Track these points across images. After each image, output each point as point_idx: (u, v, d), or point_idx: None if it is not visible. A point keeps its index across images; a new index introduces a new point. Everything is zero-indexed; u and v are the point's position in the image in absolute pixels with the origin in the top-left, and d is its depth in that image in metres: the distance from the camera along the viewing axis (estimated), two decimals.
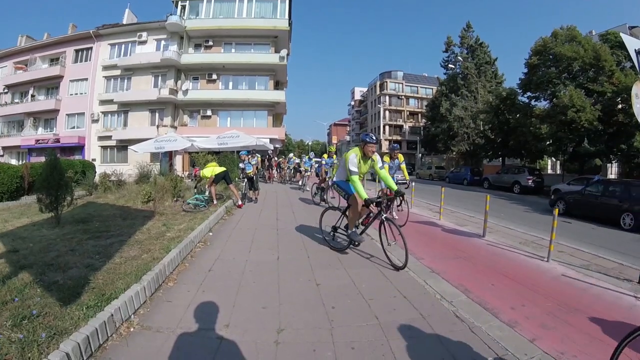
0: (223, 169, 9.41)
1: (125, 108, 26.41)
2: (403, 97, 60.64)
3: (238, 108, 26.76)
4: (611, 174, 23.27)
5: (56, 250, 4.54)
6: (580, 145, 18.99)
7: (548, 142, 20.64)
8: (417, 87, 61.84)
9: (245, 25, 25.83)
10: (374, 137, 4.60)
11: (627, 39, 4.80)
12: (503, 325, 2.92)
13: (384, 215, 4.44)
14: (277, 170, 21.34)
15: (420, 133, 45.32)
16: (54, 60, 28.65)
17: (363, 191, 4.36)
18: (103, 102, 26.63)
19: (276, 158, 23.91)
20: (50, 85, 28.42)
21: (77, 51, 27.81)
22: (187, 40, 26.58)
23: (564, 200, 11.58)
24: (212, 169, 9.19)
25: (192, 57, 26.35)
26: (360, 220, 4.88)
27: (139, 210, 8.18)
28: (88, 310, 2.76)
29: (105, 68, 26.89)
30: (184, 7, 26.34)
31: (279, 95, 27.16)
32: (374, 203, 4.35)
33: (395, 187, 4.64)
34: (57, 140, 26.52)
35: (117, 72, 26.58)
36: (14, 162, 25.33)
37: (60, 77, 27.54)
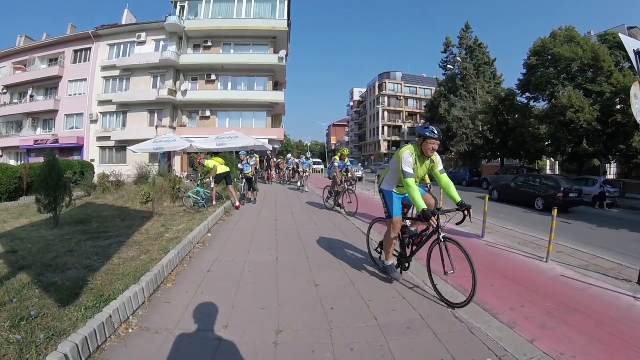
0: (227, 169, 9.37)
1: (124, 109, 26.39)
2: (402, 97, 60.77)
3: (237, 109, 26.74)
4: (610, 174, 23.32)
5: (55, 251, 4.53)
6: (579, 146, 19.03)
7: (547, 143, 20.69)
8: (416, 87, 61.99)
9: (244, 26, 25.84)
10: (436, 132, 3.44)
11: (625, 40, 4.81)
12: (502, 326, 2.92)
13: (442, 235, 3.37)
14: (276, 171, 21.35)
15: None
16: (53, 61, 28.63)
17: (421, 199, 3.35)
18: (102, 103, 26.61)
19: (275, 159, 23.91)
20: (49, 85, 28.40)
21: (76, 52, 27.79)
22: (186, 41, 26.57)
23: (497, 189, 15.48)
24: (215, 161, 9.16)
25: (191, 57, 26.35)
26: (393, 237, 3.81)
27: (138, 211, 8.17)
28: (86, 311, 2.75)
29: (104, 69, 26.87)
30: (183, 7, 26.35)
31: (277, 96, 27.17)
32: (436, 216, 3.29)
33: (458, 198, 3.47)
34: (56, 141, 26.48)
35: (116, 72, 26.56)
36: (12, 162, 25.27)
37: (59, 78, 27.52)
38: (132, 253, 4.51)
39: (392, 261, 3.92)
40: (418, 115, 57.39)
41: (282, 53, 26.15)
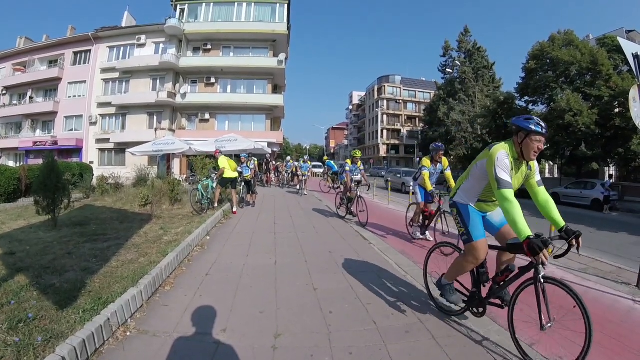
0: (235, 175, 9.25)
1: (124, 111, 26.41)
2: (401, 101, 60.95)
3: (236, 112, 26.79)
4: (608, 178, 23.37)
5: (53, 253, 4.52)
6: (578, 149, 19.11)
7: (545, 146, 20.73)
8: (414, 91, 62.20)
9: (244, 29, 25.93)
10: (543, 125, 2.46)
11: (624, 43, 4.84)
12: (501, 330, 2.91)
13: (542, 274, 2.42)
14: (275, 174, 21.36)
15: (418, 137, 45.58)
16: (52, 62, 28.68)
17: (524, 223, 2.38)
18: (101, 105, 26.63)
19: (274, 162, 23.93)
20: (49, 87, 28.43)
21: (75, 53, 27.86)
22: (186, 44, 26.65)
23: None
24: (228, 163, 8.99)
25: (191, 60, 26.41)
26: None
27: (137, 213, 8.16)
28: (84, 313, 2.74)
29: (104, 71, 26.93)
30: (183, 10, 26.46)
31: (277, 99, 27.22)
32: (547, 246, 2.24)
33: (562, 222, 2.51)
34: (55, 143, 26.47)
35: (116, 74, 26.60)
36: (11, 163, 25.20)
37: (58, 79, 27.55)
38: (131, 256, 4.49)
39: (451, 287, 3.03)
40: (417, 119, 57.61)
41: (282, 56, 26.22)
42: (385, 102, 60.41)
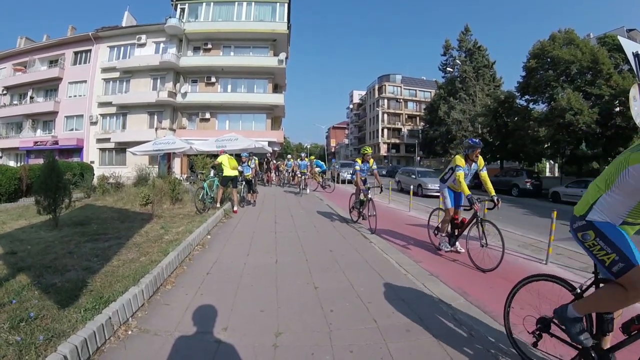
0: (235, 173, 9.24)
1: (124, 110, 26.44)
2: (401, 100, 60.92)
3: (237, 111, 26.81)
4: None
5: (54, 252, 4.52)
6: (578, 148, 19.11)
7: (546, 145, 20.74)
8: (415, 90, 62.16)
9: (244, 29, 25.93)
10: None
11: (624, 42, 4.84)
12: (503, 329, 2.91)
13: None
14: (275, 173, 21.35)
15: (419, 136, 45.53)
16: (53, 62, 28.72)
17: None
18: (102, 105, 26.67)
19: (275, 161, 23.93)
20: (49, 87, 28.47)
21: (76, 53, 27.89)
22: (186, 43, 26.66)
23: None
24: (228, 161, 8.99)
25: (191, 59, 26.43)
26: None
27: (137, 212, 8.16)
28: (86, 312, 2.75)
29: (104, 70, 26.95)
30: (183, 9, 26.46)
31: (277, 99, 27.23)
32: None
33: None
34: (56, 142, 26.52)
35: (116, 74, 26.63)
36: (12, 163, 25.23)
37: (59, 79, 27.59)
38: (132, 255, 4.50)
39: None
40: (417, 118, 57.56)
41: (282, 55, 26.22)
42: (385, 101, 60.40)
